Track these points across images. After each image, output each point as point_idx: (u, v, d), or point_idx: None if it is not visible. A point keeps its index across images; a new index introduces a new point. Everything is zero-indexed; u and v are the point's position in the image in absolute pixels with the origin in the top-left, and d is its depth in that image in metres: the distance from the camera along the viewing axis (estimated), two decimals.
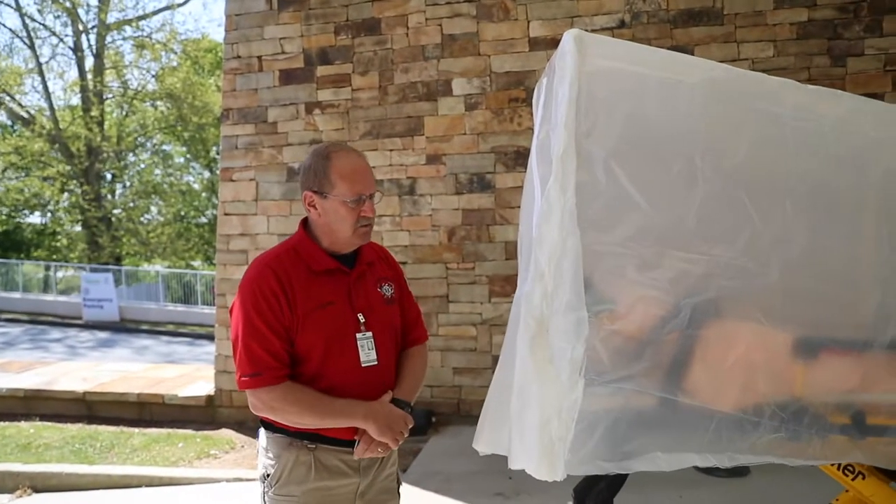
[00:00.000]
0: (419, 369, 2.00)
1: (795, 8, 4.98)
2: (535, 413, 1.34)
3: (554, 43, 3.51)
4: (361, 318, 1.84)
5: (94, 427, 5.67)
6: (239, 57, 5.87)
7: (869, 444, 1.63)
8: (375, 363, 1.84)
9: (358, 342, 1.82)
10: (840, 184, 1.58)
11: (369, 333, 1.84)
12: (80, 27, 23.13)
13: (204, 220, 24.98)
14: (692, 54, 4.89)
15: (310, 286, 1.80)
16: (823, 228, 1.55)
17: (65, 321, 17.05)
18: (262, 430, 1.90)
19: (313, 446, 1.80)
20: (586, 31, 1.48)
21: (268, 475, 1.83)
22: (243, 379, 1.75)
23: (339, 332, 1.81)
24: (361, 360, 1.82)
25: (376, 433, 1.77)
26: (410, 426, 1.85)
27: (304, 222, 1.90)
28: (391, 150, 5.61)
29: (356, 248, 1.89)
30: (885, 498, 1.84)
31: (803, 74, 4.89)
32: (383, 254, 2.05)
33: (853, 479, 1.85)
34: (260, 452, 1.90)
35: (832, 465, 1.83)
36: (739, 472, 3.89)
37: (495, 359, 1.68)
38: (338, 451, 1.82)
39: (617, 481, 2.61)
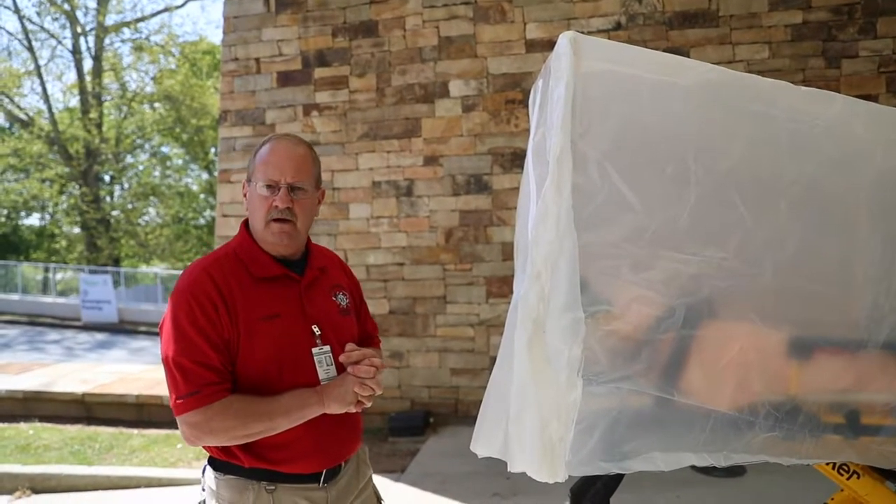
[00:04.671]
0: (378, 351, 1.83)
1: (790, 10, 5.00)
2: (535, 414, 1.34)
3: (550, 45, 3.53)
4: (316, 330, 1.61)
5: (93, 428, 5.68)
6: (237, 59, 5.89)
7: (863, 443, 1.63)
8: None
9: (315, 358, 1.59)
10: (833, 184, 1.59)
11: (327, 347, 1.61)
12: (79, 29, 23.21)
13: (202, 221, 24.99)
14: (688, 56, 4.90)
15: (252, 295, 1.55)
16: (816, 229, 1.56)
17: (63, 323, 17.06)
18: (208, 471, 1.64)
19: (272, 487, 1.56)
20: (582, 33, 1.48)
21: None
22: (179, 402, 1.48)
23: (290, 347, 1.57)
24: (320, 377, 1.59)
25: (340, 409, 1.56)
26: (368, 377, 1.58)
27: (246, 221, 1.70)
28: (389, 152, 5.62)
29: (305, 252, 1.68)
30: (880, 497, 1.84)
31: (798, 76, 4.91)
32: (338, 261, 1.85)
33: (848, 479, 1.85)
34: (207, 497, 1.65)
35: (827, 464, 1.84)
36: (735, 471, 3.90)
37: (493, 360, 1.68)
38: (302, 489, 1.59)
39: (614, 481, 2.61)
